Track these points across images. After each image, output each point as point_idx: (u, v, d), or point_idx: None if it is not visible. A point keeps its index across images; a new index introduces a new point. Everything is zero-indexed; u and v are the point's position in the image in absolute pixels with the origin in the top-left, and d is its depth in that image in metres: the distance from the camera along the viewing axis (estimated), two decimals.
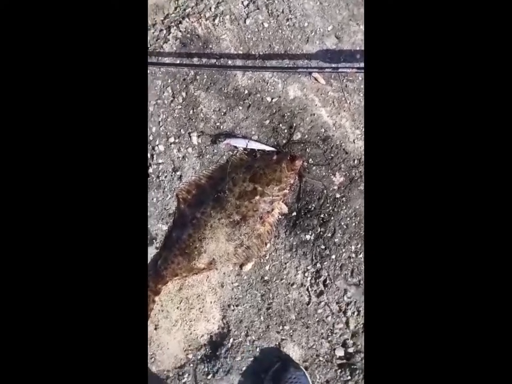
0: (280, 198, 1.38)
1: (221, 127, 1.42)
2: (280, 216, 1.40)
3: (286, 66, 1.41)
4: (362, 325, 1.37)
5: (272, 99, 1.44)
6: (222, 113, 1.42)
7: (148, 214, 1.39)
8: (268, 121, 1.43)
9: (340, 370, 1.36)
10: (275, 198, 1.36)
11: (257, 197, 1.33)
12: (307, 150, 1.43)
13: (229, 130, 1.42)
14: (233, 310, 1.38)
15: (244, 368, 1.36)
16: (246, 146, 1.39)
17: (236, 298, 1.38)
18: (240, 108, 1.43)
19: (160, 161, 1.42)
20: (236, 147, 1.40)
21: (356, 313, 1.37)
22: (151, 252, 1.39)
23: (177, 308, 1.37)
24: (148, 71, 1.41)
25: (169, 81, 1.43)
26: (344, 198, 1.42)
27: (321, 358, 1.37)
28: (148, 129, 1.42)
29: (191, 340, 1.37)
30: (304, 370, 1.33)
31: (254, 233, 1.35)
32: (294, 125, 1.43)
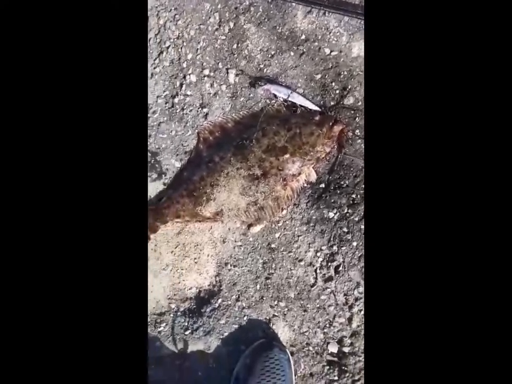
0: (311, 163, 1.23)
1: (265, 70, 1.27)
2: (305, 184, 1.25)
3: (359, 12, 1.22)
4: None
5: (331, 52, 1.26)
6: (269, 55, 1.27)
7: (163, 146, 1.30)
8: (319, 76, 1.26)
9: (327, 367, 1.23)
10: (306, 162, 1.21)
11: (286, 156, 1.19)
12: (356, 119, 1.25)
13: (273, 76, 1.26)
14: (229, 270, 1.28)
15: (225, 334, 1.27)
16: (287, 97, 1.23)
17: (235, 258, 1.28)
18: (292, 53, 1.26)
19: (188, 92, 1.30)
20: (275, 96, 1.25)
21: (362, 312, 1.22)
22: (157, 187, 1.30)
23: (172, 252, 1.29)
24: None
25: (219, 6, 1.29)
26: None
27: (311, 348, 1.24)
28: (183, 55, 1.30)
29: (178, 290, 1.29)
30: (289, 354, 1.21)
31: (272, 194, 1.22)
32: (349, 87, 1.25)
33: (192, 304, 1.29)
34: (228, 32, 1.29)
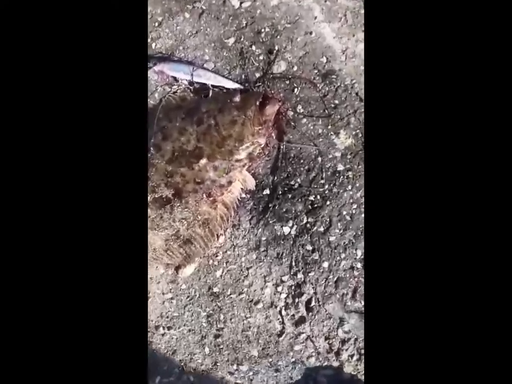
0: (243, 164, 0.89)
1: (153, 45, 0.95)
2: (243, 194, 0.92)
3: None
4: (362, 375, 0.90)
5: (241, 3, 0.95)
6: (156, 23, 0.95)
7: None
8: (232, 40, 0.96)
9: None
10: (234, 164, 0.88)
11: (203, 161, 0.86)
12: (295, 90, 0.95)
13: (166, 52, 0.93)
14: (163, 335, 0.94)
15: None
16: (192, 78, 0.90)
17: (168, 317, 0.96)
18: (187, 15, 0.95)
19: None
20: (175, 79, 0.92)
21: (355, 357, 0.90)
22: None
23: None
24: None
25: None
26: (350, 173, 0.94)
27: None
28: None
29: None
30: None
31: (198, 218, 0.89)
32: (277, 48, 0.98)
33: None
34: None
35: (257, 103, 0.88)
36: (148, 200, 0.87)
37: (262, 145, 0.92)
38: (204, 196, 0.89)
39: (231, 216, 0.94)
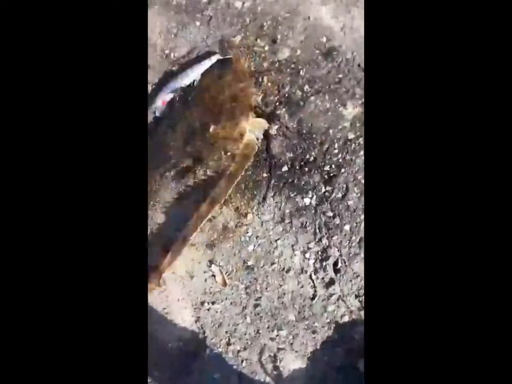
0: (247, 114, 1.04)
1: (172, 54, 1.09)
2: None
3: None
4: None
5: (243, 3, 1.08)
6: (172, 35, 1.10)
7: None
8: (239, 37, 1.06)
9: None
10: (239, 119, 1.02)
11: (212, 127, 1.02)
12: (300, 72, 1.04)
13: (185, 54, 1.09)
14: (208, 310, 1.06)
15: None
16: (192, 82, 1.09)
17: (211, 292, 1.07)
18: (198, 23, 1.08)
19: None
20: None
21: None
22: None
23: None
24: None
25: None
26: (361, 139, 1.00)
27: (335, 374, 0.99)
28: None
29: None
30: None
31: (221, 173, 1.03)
32: (279, 37, 1.06)
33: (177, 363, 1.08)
34: None
35: (230, 66, 1.05)
36: (171, 174, 1.05)
37: (257, 93, 1.05)
38: (222, 153, 1.03)
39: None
